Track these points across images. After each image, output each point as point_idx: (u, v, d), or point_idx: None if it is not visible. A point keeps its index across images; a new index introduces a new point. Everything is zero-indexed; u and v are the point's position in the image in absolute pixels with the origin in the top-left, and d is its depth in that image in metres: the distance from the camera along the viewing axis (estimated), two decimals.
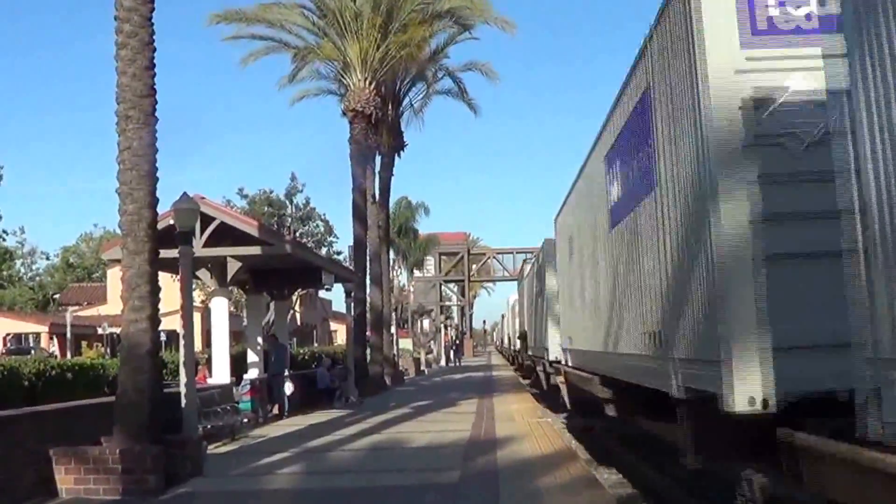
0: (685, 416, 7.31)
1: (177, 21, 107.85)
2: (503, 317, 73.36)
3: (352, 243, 31.67)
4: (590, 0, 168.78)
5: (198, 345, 21.66)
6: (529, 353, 30.26)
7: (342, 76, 29.57)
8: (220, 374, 18.02)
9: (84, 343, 47.62)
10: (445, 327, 72.09)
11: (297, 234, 45.03)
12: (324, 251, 45.82)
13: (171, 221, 12.61)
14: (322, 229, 49.24)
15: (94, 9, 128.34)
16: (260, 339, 21.03)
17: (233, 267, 18.01)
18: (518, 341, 43.19)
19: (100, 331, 47.14)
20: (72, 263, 79.32)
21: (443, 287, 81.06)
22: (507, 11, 71.33)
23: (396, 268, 59.56)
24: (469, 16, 30.87)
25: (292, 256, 19.66)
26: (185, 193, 12.45)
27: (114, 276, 44.03)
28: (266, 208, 46.65)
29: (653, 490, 11.00)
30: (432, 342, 63.67)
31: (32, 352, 41.69)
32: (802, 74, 5.75)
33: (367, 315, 31.08)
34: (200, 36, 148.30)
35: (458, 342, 72.03)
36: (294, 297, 37.46)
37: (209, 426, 13.69)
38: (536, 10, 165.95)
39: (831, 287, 5.12)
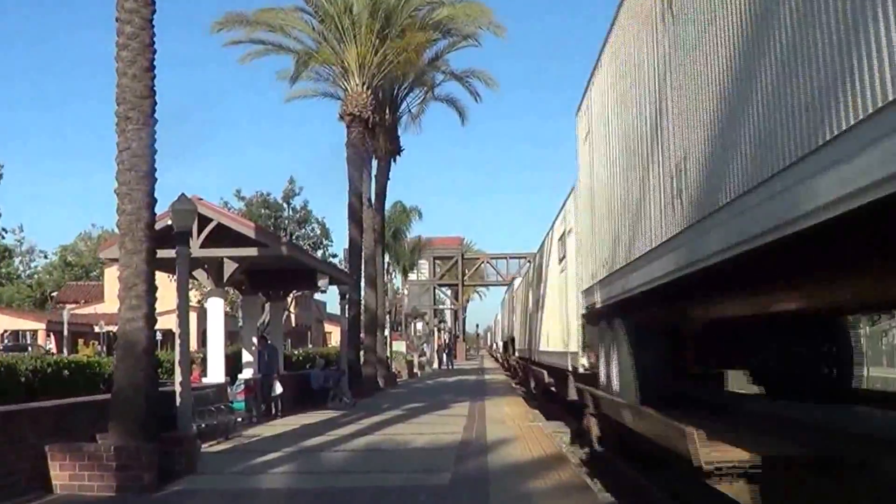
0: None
1: (177, 22, 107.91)
2: (495, 321, 73.40)
3: (347, 246, 31.76)
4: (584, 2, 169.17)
5: (193, 344, 21.78)
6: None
7: (340, 80, 29.69)
8: (215, 373, 18.10)
9: (80, 341, 47.62)
10: (439, 331, 72.06)
11: (294, 237, 45.20)
12: (319, 254, 45.99)
13: (169, 222, 12.68)
14: (318, 232, 49.47)
15: (96, 9, 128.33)
16: (255, 340, 21.16)
17: (229, 268, 18.13)
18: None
19: (96, 329, 47.15)
20: (70, 262, 79.14)
21: (436, 291, 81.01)
22: (503, 12, 71.30)
23: (391, 271, 59.65)
24: (466, 22, 31.00)
25: (288, 258, 19.79)
26: (182, 194, 12.53)
27: (111, 275, 44.16)
28: (263, 210, 46.84)
29: (643, 495, 11.08)
30: (425, 345, 63.67)
31: (29, 349, 41.65)
32: None
33: (362, 317, 31.19)
34: (201, 36, 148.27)
35: (450, 345, 71.99)
36: (289, 299, 37.57)
37: (203, 425, 13.74)
38: (534, 12, 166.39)
39: None
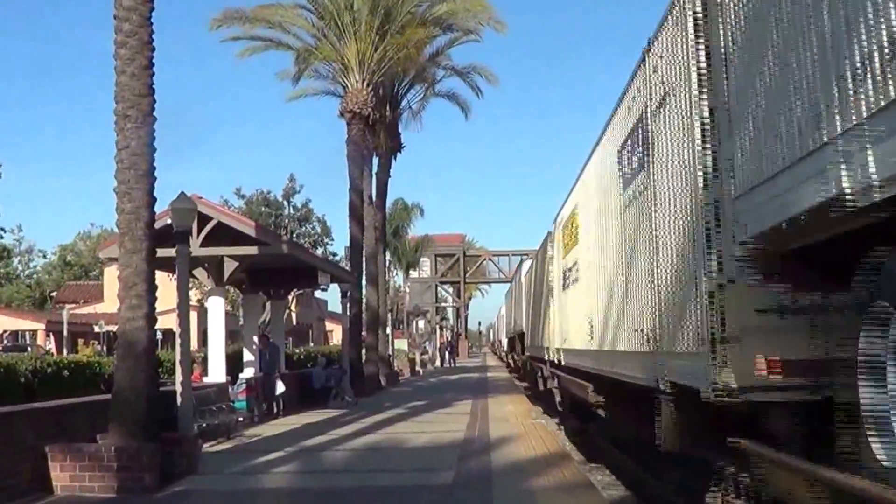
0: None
1: (176, 20, 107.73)
2: (499, 316, 73.21)
3: (348, 244, 31.67)
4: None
5: (194, 344, 21.70)
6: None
7: (340, 77, 29.61)
8: (216, 373, 18.04)
9: (80, 341, 47.56)
10: (441, 328, 71.99)
11: (294, 235, 45.12)
12: (320, 252, 45.91)
13: (169, 221, 12.62)
14: (319, 230, 49.39)
15: (94, 6, 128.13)
16: (256, 339, 21.10)
17: (229, 266, 18.07)
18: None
19: (96, 329, 47.07)
20: (69, 261, 79.03)
21: (438, 288, 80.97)
22: (503, 9, 71.21)
23: (392, 269, 59.53)
24: (467, 18, 30.90)
25: (289, 257, 19.72)
26: (182, 193, 12.48)
27: (111, 275, 44.04)
28: (263, 209, 46.78)
29: (646, 492, 11.00)
30: (427, 343, 63.60)
31: (29, 349, 41.59)
32: None
33: (363, 315, 31.12)
34: (200, 34, 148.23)
35: (452, 343, 71.92)
36: (290, 297, 37.50)
37: (205, 424, 13.68)
38: (535, 8, 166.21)
39: None
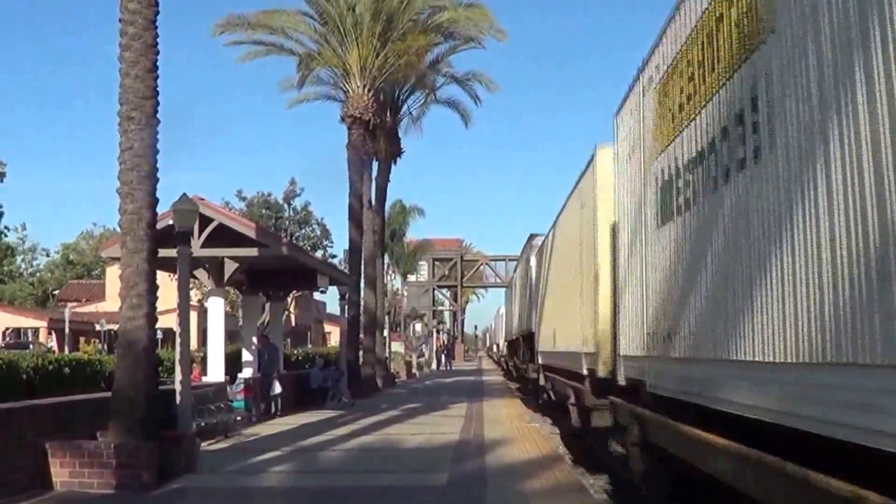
0: None
1: (179, 23, 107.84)
2: (497, 316, 73.18)
3: (347, 247, 31.84)
4: (585, 8, 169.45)
5: (194, 343, 21.84)
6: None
7: (342, 82, 29.76)
8: (215, 372, 18.15)
9: (82, 339, 47.68)
10: (437, 332, 72.01)
11: (294, 237, 45.30)
12: (319, 254, 46.09)
13: (171, 221, 12.73)
14: (318, 233, 49.60)
15: (99, 9, 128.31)
16: (255, 339, 21.22)
17: (230, 267, 18.19)
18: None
19: (97, 327, 47.20)
20: (72, 260, 79.28)
21: (435, 292, 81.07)
22: (504, 16, 71.19)
23: (390, 272, 59.60)
24: (468, 26, 31.03)
25: (288, 259, 19.84)
26: (184, 194, 12.57)
27: (113, 274, 44.10)
28: (264, 211, 46.98)
29: (638, 496, 11.06)
30: (424, 346, 63.62)
31: (31, 346, 41.73)
32: None
33: (361, 318, 31.24)
34: (203, 37, 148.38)
35: (449, 347, 71.94)
36: (289, 299, 37.63)
37: (203, 423, 13.75)
38: (534, 18, 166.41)
39: None
